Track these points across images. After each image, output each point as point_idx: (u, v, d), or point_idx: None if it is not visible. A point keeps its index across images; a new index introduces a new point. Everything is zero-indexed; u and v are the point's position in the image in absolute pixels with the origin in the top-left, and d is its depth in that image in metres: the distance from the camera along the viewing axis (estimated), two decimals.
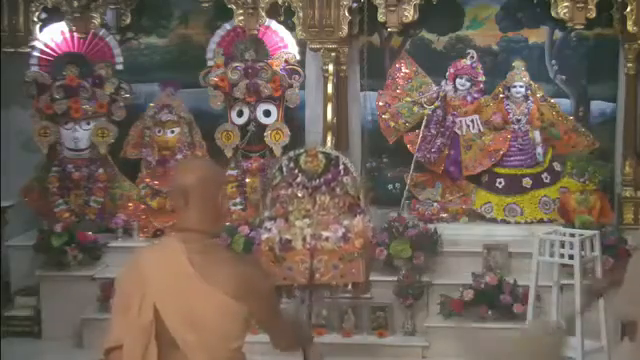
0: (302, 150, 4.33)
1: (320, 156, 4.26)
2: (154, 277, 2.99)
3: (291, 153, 4.33)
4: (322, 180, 4.23)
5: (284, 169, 4.26)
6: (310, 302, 4.16)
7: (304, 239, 4.14)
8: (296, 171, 4.25)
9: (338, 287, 4.33)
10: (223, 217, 3.17)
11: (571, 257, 5.35)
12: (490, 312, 6.18)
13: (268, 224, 4.21)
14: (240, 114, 7.05)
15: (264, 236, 4.17)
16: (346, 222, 4.22)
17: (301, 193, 4.19)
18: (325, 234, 4.17)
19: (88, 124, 7.15)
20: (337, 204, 4.22)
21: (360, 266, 4.26)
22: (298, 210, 4.18)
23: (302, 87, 7.12)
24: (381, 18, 6.83)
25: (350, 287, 4.32)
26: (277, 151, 6.97)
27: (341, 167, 4.25)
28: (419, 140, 6.97)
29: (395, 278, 6.31)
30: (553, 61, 7.19)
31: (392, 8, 6.77)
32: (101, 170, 7.17)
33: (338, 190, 4.22)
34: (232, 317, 2.97)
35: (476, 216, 6.97)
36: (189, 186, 3.01)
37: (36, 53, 7.23)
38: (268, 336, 3.21)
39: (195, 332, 2.95)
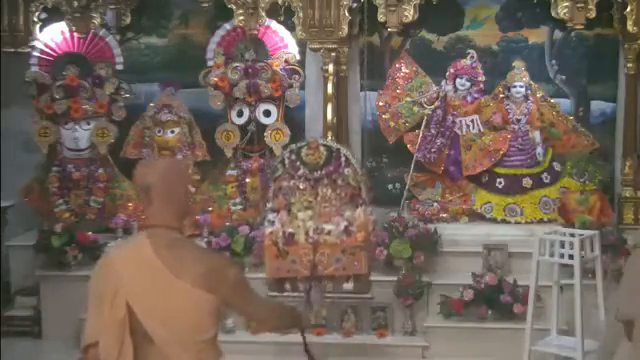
0: (304, 143, 4.38)
1: (321, 149, 4.31)
2: (125, 274, 3.06)
3: (293, 146, 4.39)
4: (324, 172, 4.33)
5: (286, 162, 4.32)
6: (309, 296, 4.23)
7: (307, 233, 4.21)
8: (298, 163, 4.30)
9: (341, 279, 4.39)
10: (188, 212, 3.28)
11: (571, 257, 5.35)
12: (490, 312, 6.18)
13: (271, 216, 4.34)
14: (240, 114, 7.05)
15: (268, 230, 4.33)
16: (348, 214, 4.30)
17: (303, 185, 4.30)
18: (327, 227, 4.24)
19: (88, 124, 7.15)
20: (339, 195, 4.26)
21: (362, 258, 4.32)
22: (300, 202, 4.31)
23: (302, 87, 7.12)
24: (381, 18, 6.83)
25: (352, 280, 4.39)
26: (277, 151, 6.96)
27: (342, 159, 4.30)
28: (419, 140, 6.97)
29: (395, 278, 6.31)
30: (553, 61, 7.18)
31: (392, 8, 6.77)
32: (101, 170, 7.17)
33: (340, 182, 4.27)
34: (202, 309, 3.03)
35: (476, 216, 6.97)
36: (151, 183, 3.08)
37: (36, 53, 7.23)
38: (254, 320, 3.30)
39: (166, 325, 3.01)
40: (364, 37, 7.00)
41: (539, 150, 6.95)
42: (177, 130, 7.07)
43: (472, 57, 6.98)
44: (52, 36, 7.28)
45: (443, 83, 7.03)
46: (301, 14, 6.80)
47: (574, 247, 5.34)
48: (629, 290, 3.58)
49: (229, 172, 7.06)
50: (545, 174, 6.94)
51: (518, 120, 6.95)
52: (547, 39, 7.19)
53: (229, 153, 7.05)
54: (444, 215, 6.93)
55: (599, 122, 7.18)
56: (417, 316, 6.37)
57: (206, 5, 7.08)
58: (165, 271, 3.02)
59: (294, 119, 7.19)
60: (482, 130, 7.02)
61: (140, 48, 7.61)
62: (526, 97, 6.95)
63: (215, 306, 3.04)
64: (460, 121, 7.01)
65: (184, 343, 3.02)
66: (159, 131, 7.06)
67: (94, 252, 6.78)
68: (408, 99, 7.10)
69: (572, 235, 5.51)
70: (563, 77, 7.19)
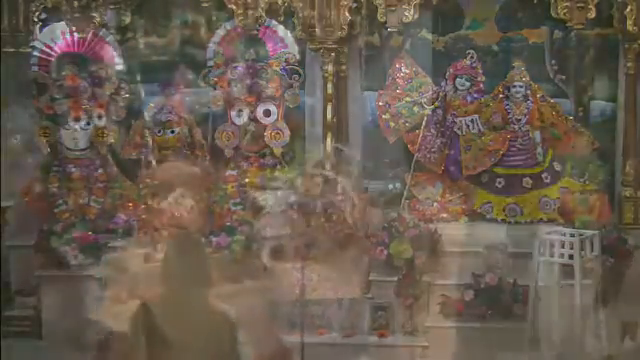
0: (298, 172, 4.00)
1: (318, 179, 3.94)
2: (142, 274, 3.02)
3: (285, 177, 4.03)
4: (318, 205, 3.90)
5: (278, 193, 3.92)
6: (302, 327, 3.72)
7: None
8: (291, 196, 3.92)
9: (332, 303, 3.86)
10: (208, 215, 3.21)
11: (571, 257, 5.36)
12: (490, 312, 6.18)
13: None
14: (240, 114, 7.06)
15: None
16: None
17: (295, 215, 3.91)
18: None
19: (88, 124, 7.15)
20: (332, 228, 3.87)
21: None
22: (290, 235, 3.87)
23: (302, 87, 7.12)
24: (381, 18, 6.83)
25: (345, 301, 3.86)
26: (277, 151, 6.98)
27: (339, 192, 3.92)
28: (419, 140, 6.98)
29: (395, 278, 6.32)
30: (553, 61, 7.18)
31: (392, 8, 6.77)
32: (101, 170, 7.18)
33: (334, 217, 3.87)
34: (219, 318, 2.98)
35: (476, 216, 6.97)
36: (175, 182, 3.05)
37: (36, 53, 7.23)
38: (253, 345, 3.10)
39: (183, 331, 2.98)
40: (364, 37, 6.99)
41: (539, 150, 6.95)
42: (177, 130, 7.07)
43: (472, 57, 6.98)
44: (52, 36, 7.28)
45: (443, 83, 7.03)
46: (301, 14, 6.81)
47: (574, 247, 5.35)
48: (631, 292, 3.58)
49: (229, 172, 7.06)
50: (545, 174, 6.95)
51: (518, 120, 6.95)
52: (547, 39, 7.18)
53: (229, 153, 7.05)
54: (444, 215, 6.94)
55: (599, 122, 7.18)
56: (417, 316, 6.37)
57: (206, 5, 7.08)
58: (182, 276, 2.99)
59: (294, 119, 7.19)
60: (482, 130, 7.02)
61: (140, 48, 7.61)
62: (526, 97, 6.95)
63: (232, 317, 3.01)
64: (460, 121, 7.01)
65: (200, 350, 3.00)
66: (159, 131, 7.06)
67: (94, 252, 6.79)
68: (408, 99, 7.10)
69: (572, 235, 5.51)
70: (563, 77, 7.19)
